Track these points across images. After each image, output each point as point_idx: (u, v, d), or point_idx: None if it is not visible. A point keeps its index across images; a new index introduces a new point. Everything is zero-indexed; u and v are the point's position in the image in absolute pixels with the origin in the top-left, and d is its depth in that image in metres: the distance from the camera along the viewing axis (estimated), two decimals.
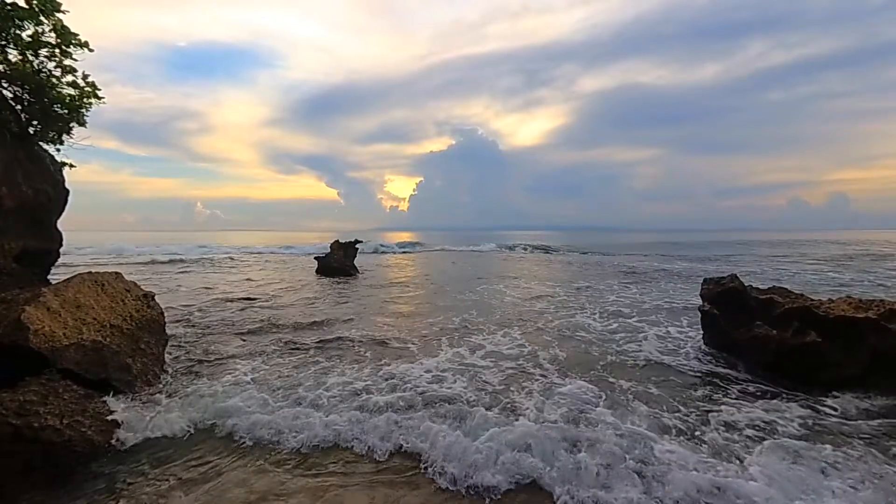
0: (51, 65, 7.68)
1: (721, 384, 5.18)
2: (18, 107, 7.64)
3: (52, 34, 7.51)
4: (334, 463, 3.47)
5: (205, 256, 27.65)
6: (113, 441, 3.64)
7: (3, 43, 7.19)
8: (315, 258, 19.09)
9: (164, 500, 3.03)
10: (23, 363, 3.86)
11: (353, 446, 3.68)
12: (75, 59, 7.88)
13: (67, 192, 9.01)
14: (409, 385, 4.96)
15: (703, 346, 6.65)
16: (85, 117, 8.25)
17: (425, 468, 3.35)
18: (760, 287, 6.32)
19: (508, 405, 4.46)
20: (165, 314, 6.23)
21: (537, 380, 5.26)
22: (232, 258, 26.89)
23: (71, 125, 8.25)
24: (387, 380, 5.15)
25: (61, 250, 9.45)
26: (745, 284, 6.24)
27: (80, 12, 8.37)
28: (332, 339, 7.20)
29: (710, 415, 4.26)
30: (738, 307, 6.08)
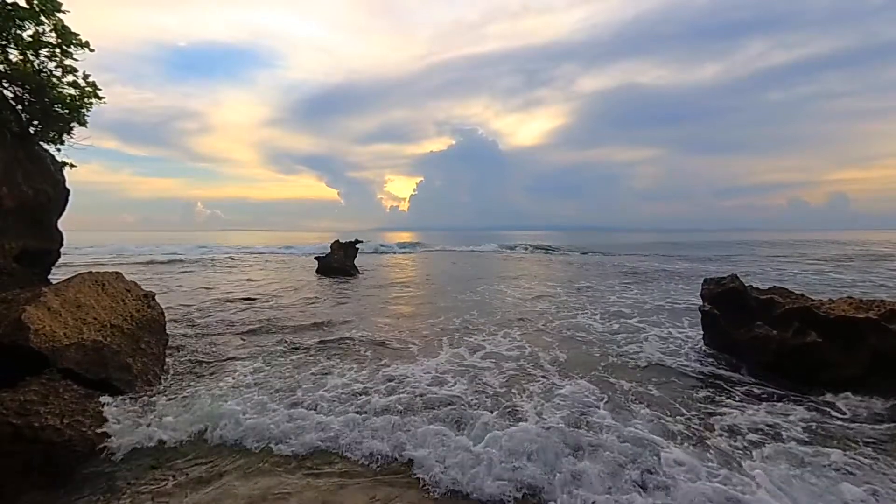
0: (51, 65, 7.69)
1: (723, 386, 5.16)
2: (19, 107, 7.65)
3: (53, 34, 7.52)
4: (332, 466, 3.44)
5: (205, 256, 27.65)
6: (113, 441, 3.64)
7: (4, 43, 7.20)
8: (315, 258, 19.11)
9: (164, 501, 3.03)
10: (23, 363, 3.87)
11: (351, 449, 3.63)
12: (76, 59, 7.89)
13: (68, 191, 9.02)
14: (408, 387, 4.95)
15: (704, 347, 6.65)
16: (85, 117, 8.26)
17: (424, 473, 3.29)
18: (761, 287, 6.33)
19: (509, 408, 4.42)
20: (166, 314, 6.23)
21: (538, 381, 5.23)
22: (232, 258, 26.90)
23: (71, 125, 8.25)
24: (386, 381, 5.13)
25: (61, 250, 9.46)
26: (746, 285, 6.24)
27: (80, 12, 8.38)
28: (332, 339, 7.20)
29: (713, 418, 4.21)
30: (738, 307, 6.08)
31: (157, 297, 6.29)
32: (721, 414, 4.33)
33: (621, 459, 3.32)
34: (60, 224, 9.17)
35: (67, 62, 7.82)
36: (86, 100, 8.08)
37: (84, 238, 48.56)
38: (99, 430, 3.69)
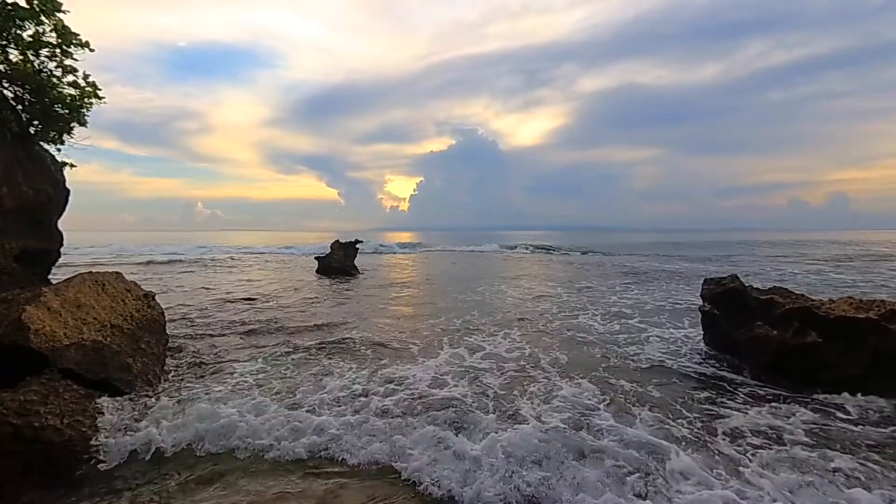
0: (51, 65, 7.69)
1: (725, 387, 5.14)
2: (19, 107, 7.64)
3: (53, 34, 7.52)
4: (332, 468, 3.43)
5: (205, 256, 27.67)
6: (113, 441, 3.64)
7: (4, 43, 7.20)
8: (315, 258, 19.11)
9: (164, 501, 3.03)
10: (23, 363, 3.86)
11: (351, 451, 3.60)
12: (76, 59, 7.89)
13: (68, 191, 9.01)
14: (408, 388, 4.94)
15: (705, 348, 6.65)
16: (85, 117, 8.26)
17: (422, 476, 3.26)
18: (761, 287, 6.32)
19: (509, 410, 4.40)
20: (166, 314, 6.24)
21: (539, 383, 5.21)
22: (232, 258, 26.91)
23: (71, 125, 8.25)
24: (386, 383, 5.12)
25: (62, 250, 9.46)
26: (746, 285, 6.24)
27: (80, 12, 8.38)
28: (332, 340, 7.20)
29: (716, 422, 4.16)
30: (738, 307, 6.08)
31: (157, 297, 6.29)
32: (724, 417, 4.29)
33: (625, 466, 3.26)
34: (60, 224, 9.17)
35: (67, 62, 7.82)
36: (86, 100, 8.08)
37: (84, 238, 48.58)
38: (99, 430, 3.69)
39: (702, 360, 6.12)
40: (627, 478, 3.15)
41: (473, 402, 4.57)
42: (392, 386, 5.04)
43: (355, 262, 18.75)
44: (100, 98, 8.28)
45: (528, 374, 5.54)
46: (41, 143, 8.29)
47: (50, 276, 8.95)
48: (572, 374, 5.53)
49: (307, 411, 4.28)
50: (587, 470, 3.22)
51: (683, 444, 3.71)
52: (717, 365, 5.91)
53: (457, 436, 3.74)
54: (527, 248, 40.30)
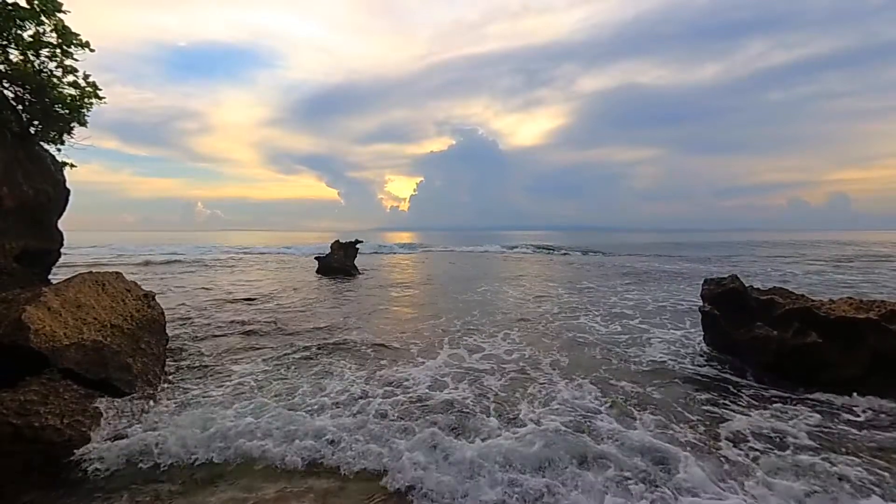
0: (52, 65, 7.69)
1: (727, 389, 5.11)
2: (19, 107, 7.65)
3: (53, 34, 7.52)
4: (331, 471, 3.41)
5: (205, 256, 27.69)
6: (113, 441, 3.64)
7: (5, 43, 7.20)
8: (315, 258, 19.12)
9: (164, 502, 3.03)
10: (23, 363, 3.87)
11: (350, 454, 3.56)
12: (76, 60, 7.89)
13: (68, 191, 9.02)
14: (408, 390, 4.94)
15: (706, 349, 6.64)
16: (85, 117, 8.26)
17: (421, 481, 3.20)
18: (761, 287, 6.32)
19: (510, 413, 4.37)
20: (166, 314, 6.23)
21: (540, 385, 5.18)
22: (232, 258, 26.92)
23: (72, 125, 8.26)
24: (386, 385, 5.12)
25: (62, 250, 9.46)
26: (746, 285, 6.23)
27: (80, 12, 8.38)
28: (332, 340, 7.20)
29: (720, 426, 4.09)
30: (738, 308, 6.08)
31: (157, 297, 6.29)
32: (727, 420, 4.24)
33: (629, 474, 3.21)
34: (60, 224, 9.17)
35: (68, 62, 7.83)
36: (86, 100, 8.08)
37: (84, 238, 48.61)
38: (99, 431, 3.69)
39: (703, 362, 6.11)
40: (632, 486, 3.09)
41: (473, 405, 4.55)
42: (391, 388, 5.03)
43: (355, 262, 18.75)
44: (100, 98, 8.29)
45: (528, 376, 5.53)
46: (41, 143, 8.29)
47: (50, 276, 8.95)
48: (573, 375, 5.51)
49: (306, 413, 4.26)
50: (590, 477, 3.16)
51: (688, 448, 3.62)
52: (718, 366, 5.89)
53: (455, 440, 3.70)
54: (527, 249, 40.31)
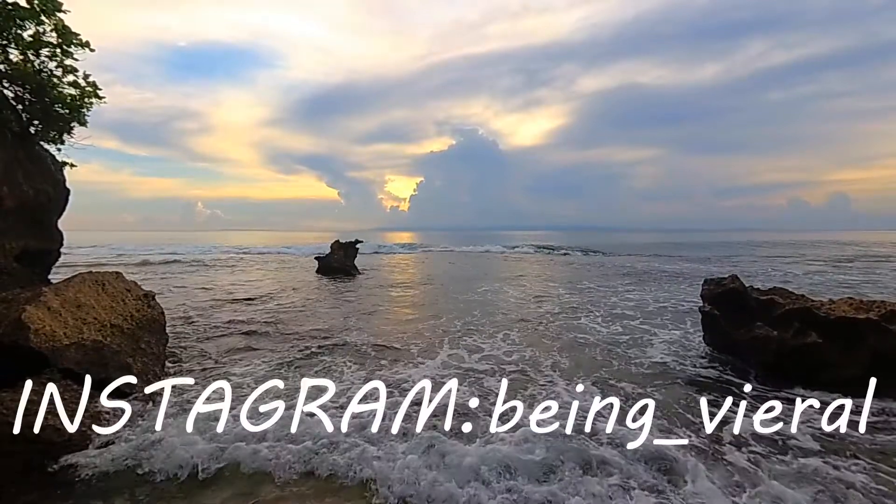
0: (52, 65, 7.68)
1: (728, 390, 5.08)
2: (19, 106, 7.64)
3: (54, 34, 7.51)
4: (329, 474, 3.38)
5: (205, 256, 27.71)
6: (112, 441, 3.64)
7: (5, 43, 7.19)
8: (315, 258, 19.12)
9: (164, 502, 3.04)
10: (23, 363, 3.86)
11: (348, 456, 3.52)
12: (76, 59, 7.88)
13: (68, 191, 9.01)
14: (408, 392, 4.93)
15: (707, 349, 6.63)
16: (85, 117, 8.25)
17: (419, 485, 3.15)
18: (761, 288, 6.31)
19: (510, 414, 4.33)
20: (166, 314, 6.23)
21: (541, 386, 5.17)
22: (232, 258, 26.93)
23: (72, 125, 8.24)
24: (385, 386, 5.09)
25: (62, 250, 9.46)
26: (746, 285, 6.23)
27: (80, 12, 8.38)
28: (331, 340, 7.20)
29: (722, 428, 4.08)
30: (738, 308, 6.08)
31: (157, 297, 6.29)
32: (729, 422, 4.20)
33: (632, 481, 3.16)
34: (60, 224, 9.16)
35: (68, 62, 7.82)
36: (86, 100, 8.07)
37: (84, 238, 48.62)
38: (98, 431, 3.69)
39: (704, 363, 6.10)
40: (634, 492, 3.05)
41: (473, 407, 4.53)
42: (391, 389, 5.02)
43: (355, 262, 18.76)
44: (100, 98, 8.28)
45: (529, 377, 5.52)
46: (41, 142, 8.29)
47: (50, 276, 8.95)
48: (574, 376, 5.49)
49: (305, 415, 4.24)
50: (592, 482, 3.12)
51: (692, 453, 3.58)
52: (719, 367, 5.88)
53: (455, 444, 3.65)
54: (527, 249, 40.30)
